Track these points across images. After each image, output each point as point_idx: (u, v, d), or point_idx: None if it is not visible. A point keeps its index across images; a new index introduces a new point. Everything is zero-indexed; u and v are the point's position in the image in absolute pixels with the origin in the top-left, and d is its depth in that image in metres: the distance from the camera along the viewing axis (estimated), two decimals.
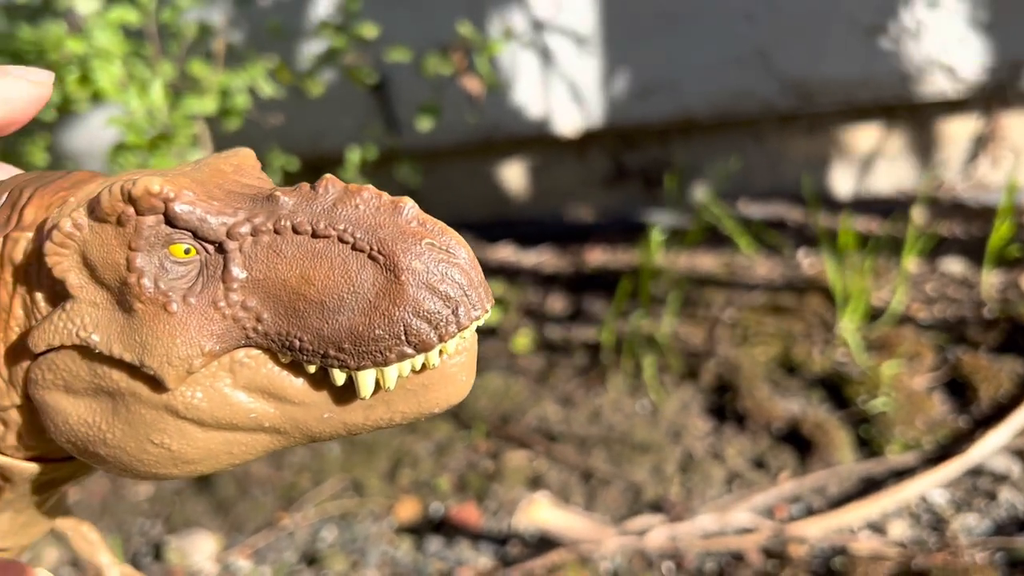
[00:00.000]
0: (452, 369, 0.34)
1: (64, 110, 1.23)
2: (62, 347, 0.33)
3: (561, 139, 1.82)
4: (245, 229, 0.32)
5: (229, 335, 0.32)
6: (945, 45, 1.65)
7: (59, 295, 0.33)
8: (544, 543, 1.15)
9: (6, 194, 0.35)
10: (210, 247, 0.32)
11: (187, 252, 0.32)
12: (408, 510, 1.25)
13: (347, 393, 0.34)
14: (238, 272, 0.32)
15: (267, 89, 1.21)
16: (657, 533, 1.13)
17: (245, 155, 0.37)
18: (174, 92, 1.23)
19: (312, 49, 1.63)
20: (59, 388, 0.33)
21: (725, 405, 1.34)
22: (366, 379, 0.32)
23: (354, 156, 1.48)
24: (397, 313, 0.31)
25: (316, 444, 1.37)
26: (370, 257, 0.32)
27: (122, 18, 1.17)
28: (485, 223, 1.89)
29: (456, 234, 0.33)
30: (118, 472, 0.35)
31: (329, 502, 1.28)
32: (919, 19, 1.65)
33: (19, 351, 0.33)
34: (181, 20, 1.24)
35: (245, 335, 0.32)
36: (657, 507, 1.20)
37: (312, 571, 1.19)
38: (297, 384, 0.33)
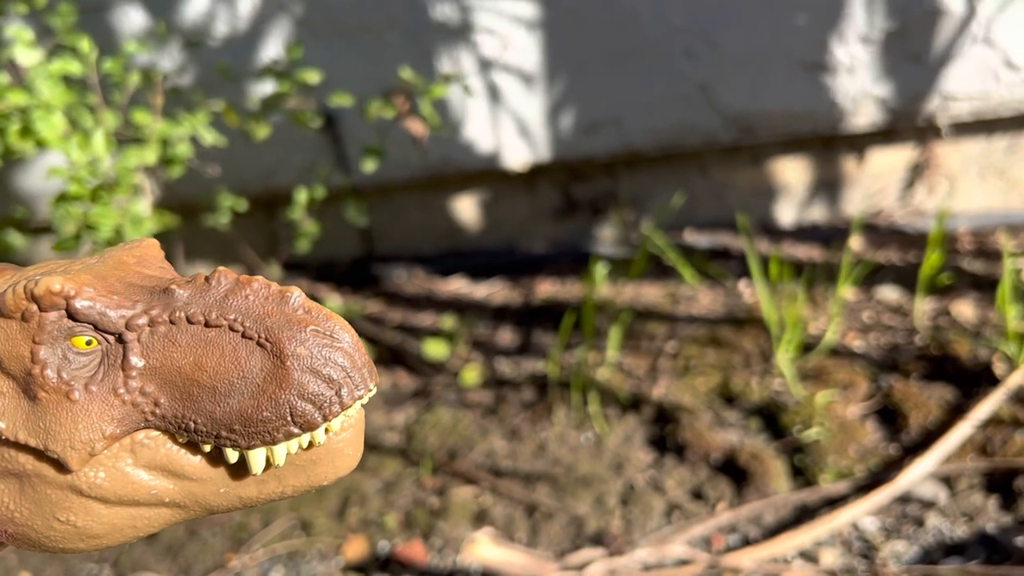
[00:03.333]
0: (338, 445, 0.37)
1: (7, 159, 1.24)
2: None
3: (510, 173, 1.86)
4: (143, 321, 0.35)
5: (129, 419, 0.35)
6: (878, 78, 1.71)
7: None
8: None
9: None
10: (111, 338, 0.35)
11: (88, 343, 0.35)
12: (356, 548, 1.27)
13: (241, 469, 0.37)
14: (136, 361, 0.35)
15: (208, 138, 1.24)
16: (597, 567, 1.15)
17: (148, 245, 0.39)
18: (117, 141, 1.25)
19: (260, 91, 1.66)
20: None
21: (666, 436, 1.37)
22: (256, 457, 0.35)
23: (302, 196, 1.51)
24: (283, 396, 0.34)
25: None
26: (259, 344, 0.35)
27: (64, 69, 1.19)
28: (437, 256, 1.92)
29: (341, 320, 0.36)
30: (27, 548, 0.37)
31: (277, 542, 1.29)
32: (853, 54, 1.70)
33: None
34: (125, 68, 1.26)
35: (144, 418, 0.35)
36: (599, 539, 1.23)
37: None
38: (194, 462, 0.36)
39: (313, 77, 1.31)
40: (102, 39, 1.54)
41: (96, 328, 0.35)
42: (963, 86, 1.70)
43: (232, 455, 0.36)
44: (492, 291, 1.83)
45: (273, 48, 1.72)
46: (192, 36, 1.69)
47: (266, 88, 1.63)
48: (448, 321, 1.68)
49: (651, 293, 1.71)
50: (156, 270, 0.38)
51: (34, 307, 0.34)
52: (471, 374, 1.54)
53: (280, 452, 0.35)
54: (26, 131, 1.16)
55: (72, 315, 0.34)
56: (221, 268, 0.36)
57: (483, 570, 1.18)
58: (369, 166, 1.36)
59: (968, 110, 1.73)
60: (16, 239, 1.44)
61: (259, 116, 1.36)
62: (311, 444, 0.37)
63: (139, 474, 0.36)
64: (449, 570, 1.22)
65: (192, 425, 0.35)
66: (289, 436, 0.35)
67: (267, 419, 0.34)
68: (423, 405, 1.52)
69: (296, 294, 0.36)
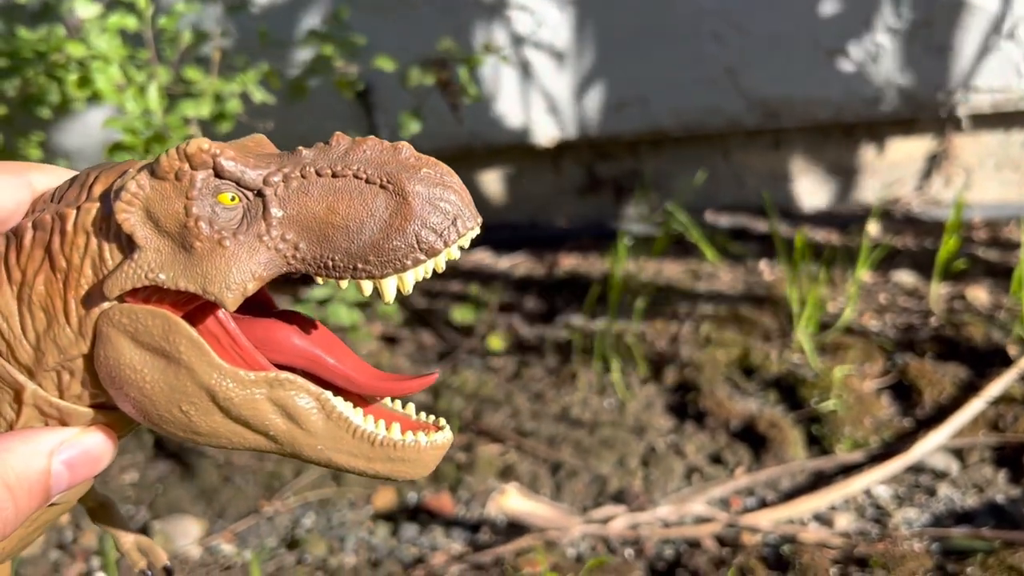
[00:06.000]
0: (426, 456, 0.42)
1: (62, 109, 1.28)
2: (133, 294, 0.39)
3: (537, 149, 1.90)
4: (277, 177, 0.39)
5: (273, 263, 0.39)
6: (901, 68, 1.75)
7: (126, 249, 0.39)
8: (513, 530, 1.22)
9: (75, 178, 0.42)
10: (250, 194, 0.39)
11: (232, 199, 0.39)
12: (385, 499, 1.31)
13: (344, 439, 0.40)
14: (276, 211, 0.39)
15: (258, 95, 1.27)
16: (620, 522, 1.20)
17: (260, 137, 0.44)
18: (168, 96, 1.28)
19: (298, 58, 1.69)
20: (127, 334, 0.39)
21: (687, 404, 1.41)
22: (388, 285, 0.39)
23: None
24: (409, 227, 0.38)
25: None
26: (381, 187, 0.39)
27: (121, 23, 1.22)
28: None
29: (446, 166, 0.41)
30: (133, 411, 0.41)
31: (309, 491, 1.33)
32: (878, 43, 1.74)
33: (90, 303, 0.40)
34: (177, 26, 1.30)
35: (287, 262, 0.39)
36: (620, 498, 1.27)
37: (292, 555, 1.24)
38: (317, 418, 0.40)
39: (360, 41, 1.34)
40: None
41: (238, 185, 0.39)
42: (985, 79, 1.74)
43: (367, 287, 0.39)
44: (515, 263, 1.87)
45: (311, 17, 1.76)
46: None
47: (305, 55, 1.67)
48: (474, 288, 1.72)
49: (672, 270, 1.75)
50: (273, 150, 0.43)
51: (186, 166, 0.39)
52: (496, 340, 1.58)
53: (409, 280, 0.39)
54: (83, 82, 1.20)
55: (218, 173, 0.39)
56: (337, 132, 0.41)
57: (509, 521, 1.23)
58: (411, 128, 1.40)
59: (988, 103, 1.77)
60: None
61: (302, 79, 1.39)
62: (410, 445, 0.41)
63: (266, 406, 0.40)
64: (475, 520, 1.26)
65: (330, 263, 0.38)
66: (417, 262, 0.39)
67: (397, 247, 0.38)
68: (449, 367, 1.56)
69: (406, 146, 0.40)
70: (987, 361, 1.41)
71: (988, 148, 1.86)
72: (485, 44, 1.40)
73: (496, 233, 1.93)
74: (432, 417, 0.43)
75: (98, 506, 0.59)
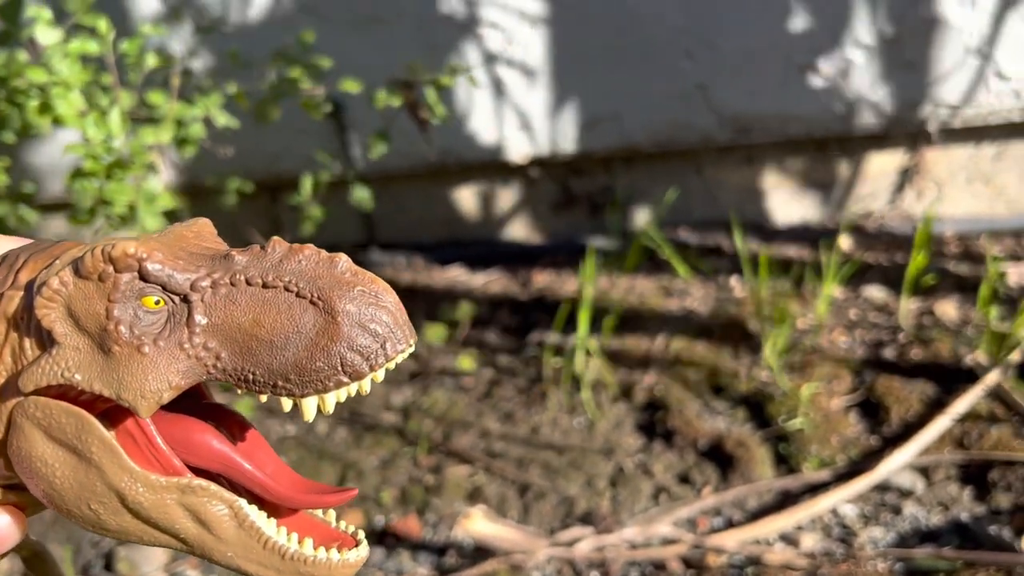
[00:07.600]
0: (337, 573, 0.40)
1: (24, 135, 1.28)
2: (48, 388, 0.38)
3: (511, 166, 1.90)
4: (206, 283, 0.38)
5: (193, 371, 0.38)
6: (872, 83, 1.76)
7: (45, 343, 0.39)
8: (480, 553, 1.22)
9: (4, 260, 0.41)
10: (176, 298, 0.38)
11: (157, 303, 0.38)
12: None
13: (255, 549, 0.40)
14: (200, 319, 0.38)
15: (221, 120, 1.27)
16: (585, 544, 1.20)
17: (203, 223, 0.43)
18: (132, 120, 1.28)
19: (271, 78, 1.69)
20: (41, 427, 0.39)
21: (655, 423, 1.41)
22: (309, 405, 0.38)
23: (308, 181, 1.54)
24: (334, 348, 0.37)
25: None
26: (311, 303, 0.38)
27: (83, 48, 1.22)
28: (436, 245, 1.95)
29: (383, 283, 0.40)
30: (43, 500, 0.40)
31: None
32: (848, 59, 1.75)
33: (5, 392, 0.39)
34: (141, 49, 1.30)
35: (207, 371, 0.38)
36: (588, 519, 1.27)
37: None
38: (229, 527, 0.39)
39: (325, 63, 1.34)
40: (115, 21, 1.58)
41: (164, 289, 0.38)
42: (954, 94, 1.75)
43: (286, 403, 0.38)
44: (489, 280, 1.87)
45: (286, 35, 1.76)
46: (205, 21, 1.73)
47: (276, 74, 1.67)
48: (446, 308, 1.72)
49: (644, 286, 1.75)
50: (213, 243, 0.42)
51: (110, 268, 0.38)
52: (467, 359, 1.58)
53: (330, 401, 0.38)
54: (44, 108, 1.20)
55: (143, 277, 0.38)
56: (275, 238, 0.40)
57: (476, 544, 1.22)
58: (378, 150, 1.40)
59: (959, 118, 1.78)
60: (29, 214, 1.47)
61: (269, 101, 1.39)
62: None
63: (177, 511, 0.39)
64: (442, 544, 1.26)
65: (251, 376, 0.38)
66: (339, 385, 0.38)
67: (320, 369, 0.37)
68: (420, 387, 1.56)
69: (344, 259, 0.39)
70: (954, 377, 1.41)
71: (959, 162, 1.87)
72: (451, 66, 1.40)
73: (469, 250, 1.93)
74: (352, 528, 0.42)
75: (32, 555, 0.58)
